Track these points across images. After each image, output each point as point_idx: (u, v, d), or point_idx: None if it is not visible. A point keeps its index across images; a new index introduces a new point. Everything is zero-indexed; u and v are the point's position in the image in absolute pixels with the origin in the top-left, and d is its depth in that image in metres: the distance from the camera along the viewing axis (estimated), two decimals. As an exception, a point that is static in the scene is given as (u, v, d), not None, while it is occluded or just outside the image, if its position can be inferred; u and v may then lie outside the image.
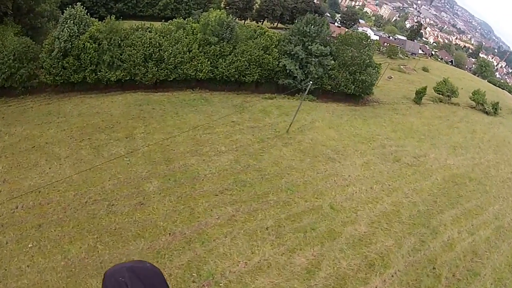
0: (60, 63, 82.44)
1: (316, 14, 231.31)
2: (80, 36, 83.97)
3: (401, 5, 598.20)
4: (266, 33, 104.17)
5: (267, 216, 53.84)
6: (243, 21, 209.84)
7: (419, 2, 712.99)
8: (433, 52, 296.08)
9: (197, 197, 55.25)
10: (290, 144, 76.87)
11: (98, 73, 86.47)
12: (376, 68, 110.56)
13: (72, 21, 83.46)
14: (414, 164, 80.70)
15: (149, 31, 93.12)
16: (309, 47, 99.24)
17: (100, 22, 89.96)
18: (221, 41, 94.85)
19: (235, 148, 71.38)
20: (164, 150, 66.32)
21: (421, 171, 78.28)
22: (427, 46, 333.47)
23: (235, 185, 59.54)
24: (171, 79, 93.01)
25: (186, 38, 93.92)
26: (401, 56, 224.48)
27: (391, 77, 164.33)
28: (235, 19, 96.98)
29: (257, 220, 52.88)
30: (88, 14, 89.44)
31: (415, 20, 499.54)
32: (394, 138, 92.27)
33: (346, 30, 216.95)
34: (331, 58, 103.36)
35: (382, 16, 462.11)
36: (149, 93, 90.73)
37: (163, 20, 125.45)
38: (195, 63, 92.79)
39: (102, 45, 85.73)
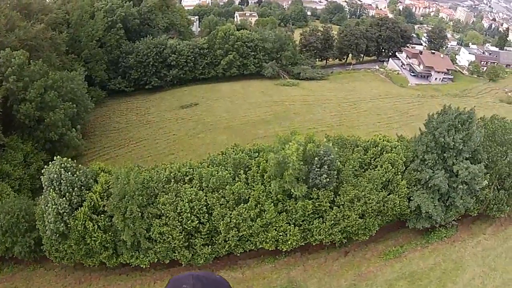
0: (61, 245, 53.01)
1: (402, 40, 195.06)
2: (76, 211, 50.71)
3: (472, 3, 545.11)
4: (385, 153, 60.02)
5: None
6: (324, 61, 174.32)
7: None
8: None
9: None
10: None
11: (120, 256, 53.91)
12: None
13: (55, 190, 49.64)
14: None
15: (189, 182, 55.07)
16: (454, 166, 57.37)
17: (107, 175, 55.49)
18: (313, 188, 53.52)
19: None
20: None
21: None
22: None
23: None
24: (238, 253, 54.92)
25: (252, 191, 53.47)
26: (501, 76, 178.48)
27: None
28: (331, 145, 53.58)
29: None
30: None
31: (491, 18, 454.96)
32: None
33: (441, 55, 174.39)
34: (484, 175, 59.67)
35: (460, 19, 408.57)
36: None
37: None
38: (273, 233, 52.33)
39: (114, 222, 50.06)
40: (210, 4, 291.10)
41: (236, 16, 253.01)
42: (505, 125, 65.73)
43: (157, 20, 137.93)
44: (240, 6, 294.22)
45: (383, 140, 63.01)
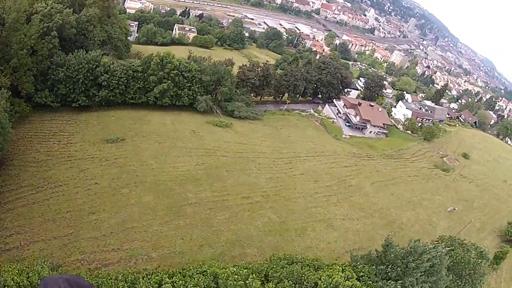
0: None
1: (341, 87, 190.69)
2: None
3: (409, 47, 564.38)
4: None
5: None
6: (259, 97, 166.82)
7: (424, 42, 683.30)
8: (458, 116, 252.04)
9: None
10: None
11: None
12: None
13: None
14: None
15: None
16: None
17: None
18: None
19: None
20: None
21: None
22: (446, 102, 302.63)
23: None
24: None
25: None
26: (436, 135, 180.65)
27: (455, 209, 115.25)
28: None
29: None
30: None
31: (425, 65, 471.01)
32: None
33: (380, 109, 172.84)
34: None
35: (394, 63, 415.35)
36: None
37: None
38: None
39: None
40: (152, 11, 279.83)
41: (176, 28, 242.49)
42: (469, 260, 59.96)
43: (95, 33, 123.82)
44: (181, 18, 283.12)
45: (344, 279, 54.15)
